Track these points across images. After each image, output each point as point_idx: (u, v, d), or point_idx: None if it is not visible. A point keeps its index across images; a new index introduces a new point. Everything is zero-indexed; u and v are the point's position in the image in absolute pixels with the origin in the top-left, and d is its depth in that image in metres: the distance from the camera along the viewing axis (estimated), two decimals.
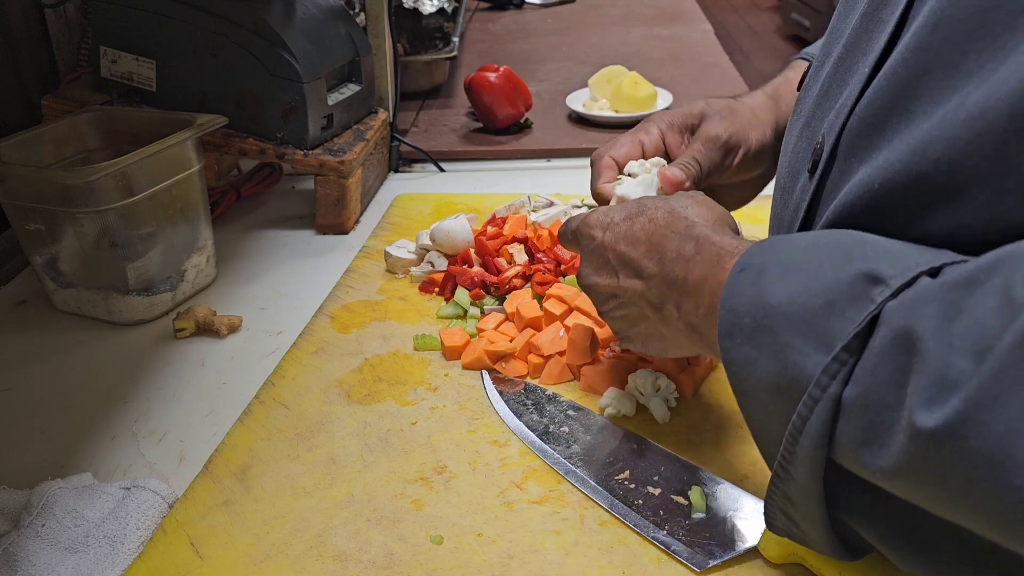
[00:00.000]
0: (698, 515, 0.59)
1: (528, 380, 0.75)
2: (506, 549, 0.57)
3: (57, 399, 0.77)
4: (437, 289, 0.89)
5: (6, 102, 1.10)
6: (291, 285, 0.95)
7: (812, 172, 0.54)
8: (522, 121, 1.34)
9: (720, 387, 0.73)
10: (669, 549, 0.56)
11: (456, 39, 1.56)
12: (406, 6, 1.51)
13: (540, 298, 0.82)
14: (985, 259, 0.37)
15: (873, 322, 0.40)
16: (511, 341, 0.78)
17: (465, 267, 0.89)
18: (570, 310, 0.79)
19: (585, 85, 1.46)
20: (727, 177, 0.74)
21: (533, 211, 0.98)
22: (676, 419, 0.69)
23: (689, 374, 0.71)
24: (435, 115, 1.44)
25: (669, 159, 0.73)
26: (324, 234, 1.07)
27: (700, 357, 0.73)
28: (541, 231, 0.92)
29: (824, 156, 0.52)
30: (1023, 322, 0.33)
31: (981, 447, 0.34)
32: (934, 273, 0.40)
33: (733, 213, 0.62)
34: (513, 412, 0.70)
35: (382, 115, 1.17)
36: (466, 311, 0.84)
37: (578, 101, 1.41)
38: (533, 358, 0.76)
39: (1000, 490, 0.34)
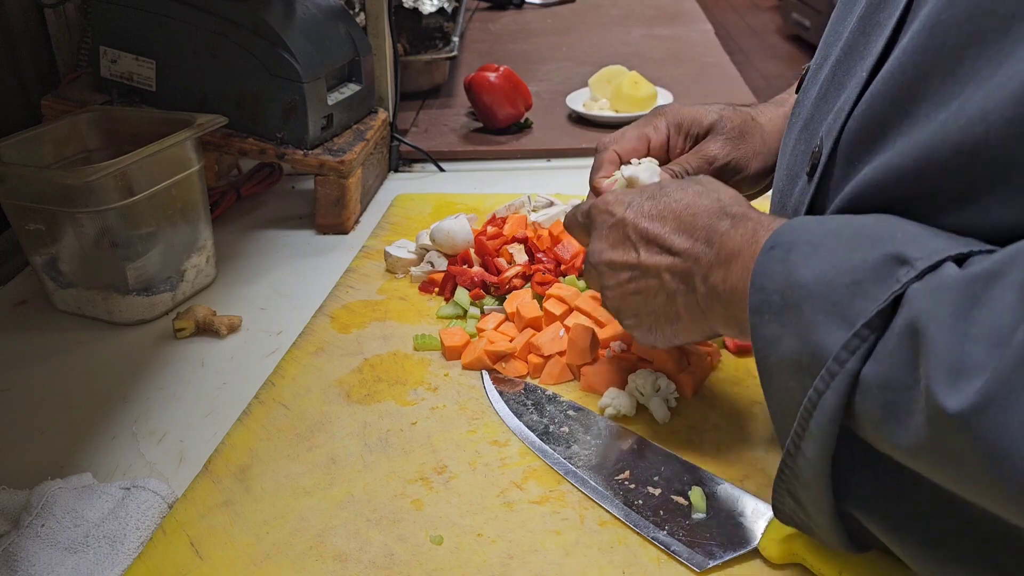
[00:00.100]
0: (698, 515, 0.59)
1: (528, 380, 0.75)
2: (506, 549, 0.57)
3: (57, 399, 0.77)
4: (437, 289, 0.89)
5: (6, 102, 1.10)
6: (291, 285, 0.95)
7: (811, 175, 0.55)
8: (522, 121, 1.34)
9: (720, 387, 0.73)
10: (669, 549, 0.56)
11: (456, 39, 1.56)
12: (406, 6, 1.51)
13: (540, 298, 0.82)
14: (1007, 252, 0.37)
15: (897, 303, 0.40)
16: (511, 341, 0.78)
17: (465, 267, 0.89)
18: (570, 310, 0.79)
19: (585, 85, 1.46)
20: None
21: (533, 211, 0.98)
22: (676, 419, 0.69)
23: (689, 374, 0.71)
24: (435, 115, 1.44)
25: (669, 158, 0.74)
26: (324, 234, 1.07)
27: (700, 357, 0.73)
28: (541, 231, 0.92)
29: (823, 159, 0.53)
30: None
31: (995, 440, 0.34)
32: (961, 260, 0.40)
33: None
34: (513, 412, 0.70)
35: (382, 115, 1.17)
36: (466, 311, 0.84)
37: (578, 101, 1.41)
38: (533, 358, 0.76)
39: (1009, 483, 0.34)
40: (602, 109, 1.38)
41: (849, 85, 0.52)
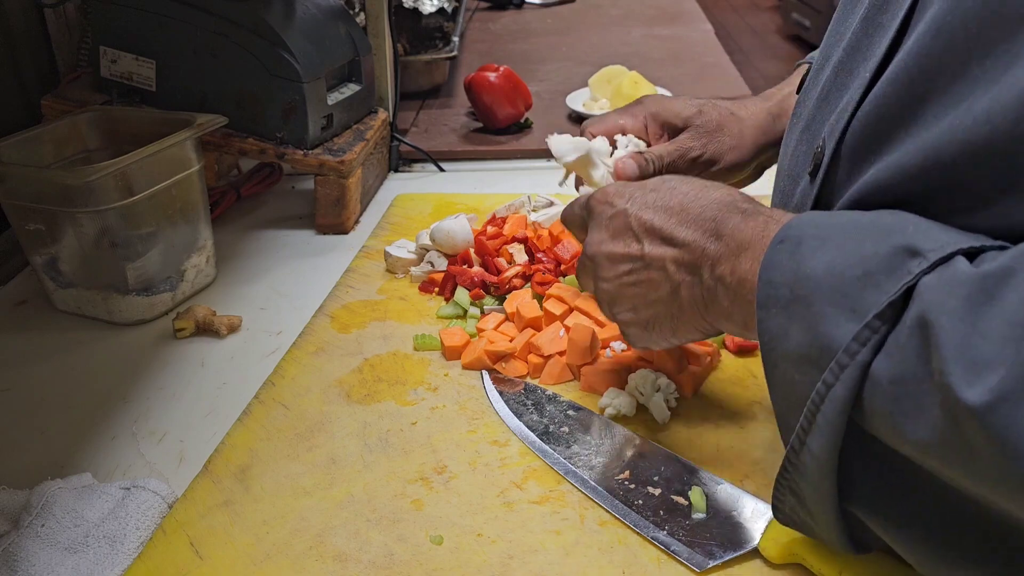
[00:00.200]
0: (698, 515, 0.59)
1: (528, 380, 0.75)
2: (506, 549, 0.57)
3: (57, 399, 0.77)
4: (437, 289, 0.89)
5: (6, 102, 1.10)
6: (291, 285, 0.95)
7: (813, 175, 0.55)
8: (522, 121, 1.34)
9: (720, 387, 0.73)
10: (669, 549, 0.56)
11: (456, 39, 1.56)
12: (406, 6, 1.51)
13: (540, 298, 0.82)
14: (1020, 249, 0.37)
15: (908, 295, 0.40)
16: (511, 341, 0.78)
17: (465, 267, 0.89)
18: (570, 310, 0.79)
19: (585, 85, 1.46)
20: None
21: (533, 211, 0.98)
22: (676, 419, 0.69)
23: (689, 374, 0.71)
24: (435, 115, 1.44)
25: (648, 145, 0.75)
26: (324, 234, 1.07)
27: (699, 357, 0.73)
28: (541, 231, 0.92)
29: (825, 159, 0.53)
30: None
31: (1009, 436, 0.34)
32: (973, 253, 0.40)
33: None
34: (513, 412, 0.70)
35: (382, 115, 1.17)
36: (466, 311, 0.84)
37: (578, 101, 1.41)
38: (533, 358, 0.76)
39: (1019, 481, 0.34)
40: (602, 109, 1.38)
41: (852, 86, 0.52)
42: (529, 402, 0.71)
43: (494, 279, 0.86)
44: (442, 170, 1.25)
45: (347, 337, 0.82)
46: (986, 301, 0.36)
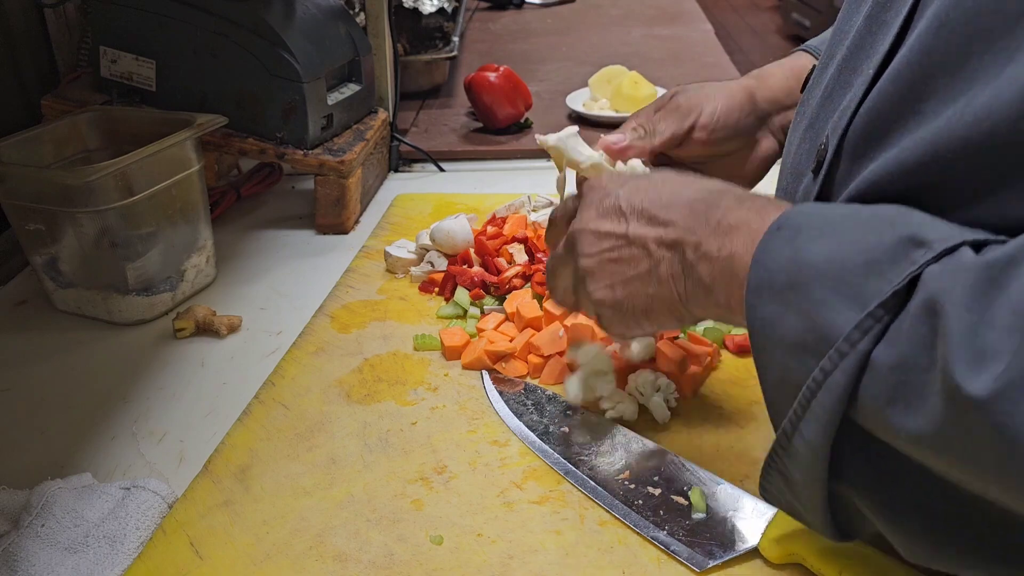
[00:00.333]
0: (698, 515, 0.59)
1: (528, 380, 0.75)
2: (506, 549, 0.57)
3: (57, 399, 0.77)
4: (437, 289, 0.89)
5: (6, 102, 1.10)
6: (291, 285, 0.95)
7: (816, 173, 0.55)
8: (522, 121, 1.34)
9: (720, 387, 0.73)
10: (669, 549, 0.56)
11: (456, 39, 1.56)
12: (406, 6, 1.51)
13: (540, 298, 0.82)
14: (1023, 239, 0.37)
15: (912, 284, 0.40)
16: (511, 341, 0.78)
17: (465, 267, 0.89)
18: None
19: (585, 85, 1.46)
20: (695, 149, 0.74)
21: (533, 211, 0.98)
22: (676, 419, 0.69)
23: (689, 374, 0.71)
24: (435, 115, 1.44)
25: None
26: (324, 234, 1.07)
27: (700, 357, 0.73)
28: (541, 231, 0.92)
29: (828, 156, 0.53)
30: None
31: (1010, 425, 0.34)
32: (977, 247, 0.40)
33: None
34: (513, 412, 0.70)
35: (382, 115, 1.17)
36: (466, 311, 0.84)
37: (578, 101, 1.41)
38: (533, 358, 0.76)
39: (1020, 470, 0.34)
40: (602, 109, 1.38)
41: (855, 83, 0.52)
42: (529, 402, 0.71)
43: (494, 279, 0.86)
44: (442, 170, 1.25)
45: (347, 337, 0.82)
46: (993, 289, 0.36)
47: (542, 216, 0.95)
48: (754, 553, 0.56)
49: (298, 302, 0.91)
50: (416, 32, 1.52)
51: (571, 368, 0.73)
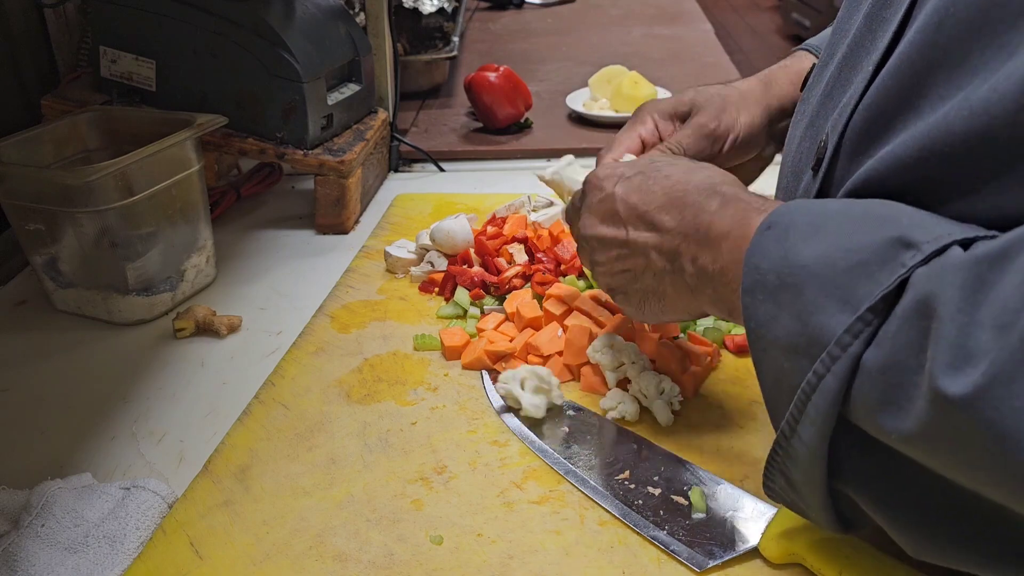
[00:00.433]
0: (698, 515, 0.59)
1: None
2: (506, 549, 0.57)
3: (57, 399, 0.77)
4: (437, 289, 0.89)
5: (6, 102, 1.10)
6: (291, 285, 0.95)
7: (816, 170, 0.55)
8: (522, 121, 1.34)
9: (720, 387, 0.73)
10: (669, 549, 0.56)
11: (456, 39, 1.56)
12: (406, 6, 1.51)
13: (540, 298, 0.82)
14: (1015, 235, 0.37)
15: (901, 286, 0.40)
16: (511, 341, 0.78)
17: (465, 267, 0.89)
18: (570, 310, 0.79)
19: (585, 85, 1.46)
20: (718, 164, 0.74)
21: (533, 211, 0.98)
22: (676, 419, 0.69)
23: (690, 374, 0.71)
24: (435, 115, 1.44)
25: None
26: (324, 234, 1.07)
27: (699, 357, 0.73)
28: (541, 231, 0.92)
29: (828, 154, 0.53)
30: None
31: (998, 421, 0.34)
32: (967, 245, 0.40)
33: None
34: (513, 412, 0.70)
35: (382, 115, 1.17)
36: (466, 311, 0.84)
37: (578, 101, 1.41)
38: (533, 358, 0.76)
39: (1012, 465, 0.34)
40: (602, 109, 1.38)
41: (855, 81, 0.52)
42: None
43: (494, 279, 0.86)
44: (442, 170, 1.25)
45: (347, 337, 0.82)
46: (982, 287, 0.36)
47: (542, 216, 0.95)
48: (754, 553, 0.56)
49: (298, 302, 0.91)
50: (416, 32, 1.52)
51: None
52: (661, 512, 0.59)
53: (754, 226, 0.50)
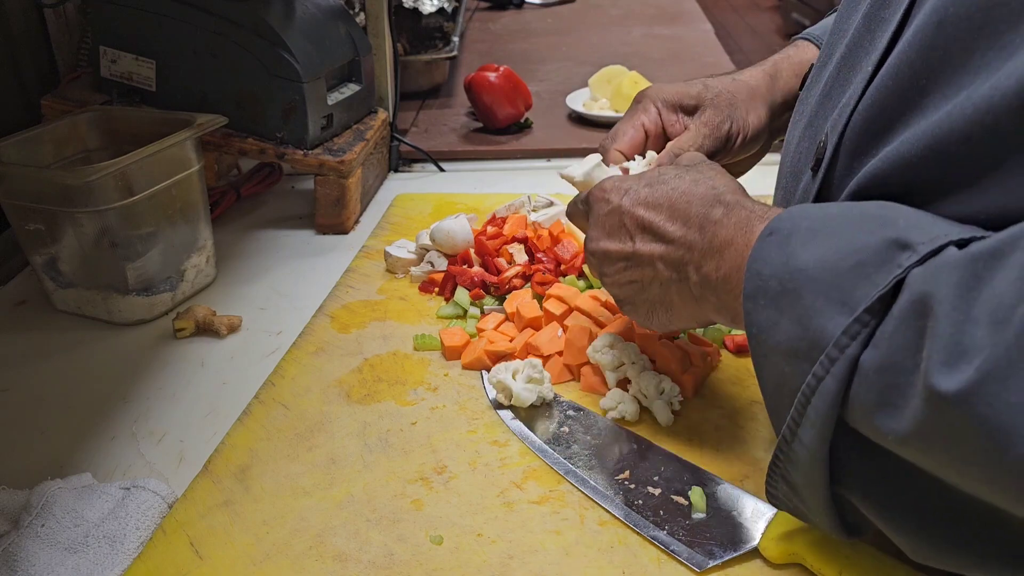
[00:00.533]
0: (698, 515, 0.59)
1: None
2: (506, 549, 0.57)
3: (57, 399, 0.77)
4: (437, 289, 0.89)
5: (6, 102, 1.10)
6: (291, 285, 0.95)
7: (815, 170, 0.55)
8: (522, 121, 1.34)
9: (720, 387, 0.73)
10: (669, 549, 0.56)
11: (456, 39, 1.56)
12: (406, 6, 1.51)
13: (540, 298, 0.82)
14: (1009, 233, 0.37)
15: (898, 287, 0.40)
16: (511, 341, 0.78)
17: (465, 267, 0.89)
18: (570, 310, 0.79)
19: (585, 85, 1.46)
20: (724, 160, 0.74)
21: (533, 211, 0.98)
22: (676, 419, 0.69)
23: (691, 374, 0.71)
24: (435, 115, 1.44)
25: (667, 136, 0.73)
26: (324, 234, 1.06)
27: (701, 356, 0.73)
28: (541, 231, 0.92)
29: (827, 154, 0.53)
30: None
31: (991, 416, 0.34)
32: (962, 244, 0.40)
33: None
34: (513, 412, 0.70)
35: (382, 115, 1.17)
36: (466, 311, 0.84)
37: (578, 101, 1.41)
38: (533, 358, 0.76)
39: (1006, 460, 0.34)
40: (602, 109, 1.38)
41: (854, 81, 0.52)
42: None
43: (494, 279, 0.86)
44: (442, 170, 1.25)
45: (347, 337, 0.82)
46: (977, 285, 0.36)
47: (542, 216, 0.95)
48: (754, 553, 0.56)
49: (298, 302, 0.91)
50: (416, 32, 1.52)
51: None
52: (661, 512, 0.59)
53: (756, 233, 0.50)
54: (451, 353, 0.78)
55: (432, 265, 0.91)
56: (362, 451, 0.67)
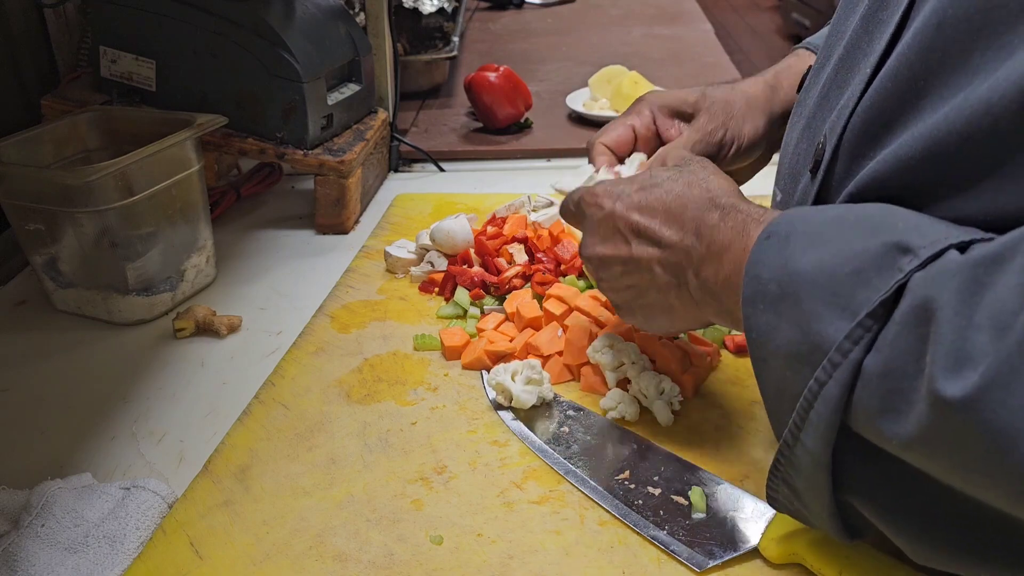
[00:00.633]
0: (698, 515, 0.59)
1: None
2: (506, 549, 0.57)
3: (57, 399, 0.77)
4: (437, 289, 0.89)
5: (6, 102, 1.10)
6: (291, 285, 0.95)
7: (814, 172, 0.55)
8: (522, 121, 1.34)
9: (720, 387, 0.73)
10: (669, 549, 0.56)
11: (456, 39, 1.56)
12: (406, 6, 1.51)
13: (540, 298, 0.82)
14: (1011, 237, 0.37)
15: (899, 292, 0.40)
16: (511, 341, 0.78)
17: (465, 267, 0.89)
18: (570, 310, 0.79)
19: (585, 85, 1.46)
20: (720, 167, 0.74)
21: (533, 211, 0.98)
22: (676, 419, 0.69)
23: (691, 374, 0.71)
24: (435, 115, 1.44)
25: (661, 141, 0.74)
26: (324, 234, 1.06)
27: (699, 356, 0.73)
28: (541, 231, 0.92)
29: (826, 156, 0.53)
30: None
31: (995, 422, 0.34)
32: (963, 248, 0.40)
33: None
34: (513, 412, 0.70)
35: (382, 115, 1.17)
36: (466, 311, 0.84)
37: (578, 101, 1.41)
38: (533, 359, 0.76)
39: (1009, 463, 0.34)
40: (602, 109, 1.38)
41: (852, 82, 0.52)
42: None
43: (494, 279, 0.86)
44: (442, 170, 1.25)
45: (347, 337, 0.82)
46: (979, 290, 0.36)
47: (542, 216, 0.95)
48: (754, 553, 0.56)
49: (298, 302, 0.91)
50: (416, 32, 1.52)
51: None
52: (661, 512, 0.59)
53: (754, 237, 0.50)
54: (451, 353, 0.78)
55: (432, 265, 0.91)
56: (362, 451, 0.67)
